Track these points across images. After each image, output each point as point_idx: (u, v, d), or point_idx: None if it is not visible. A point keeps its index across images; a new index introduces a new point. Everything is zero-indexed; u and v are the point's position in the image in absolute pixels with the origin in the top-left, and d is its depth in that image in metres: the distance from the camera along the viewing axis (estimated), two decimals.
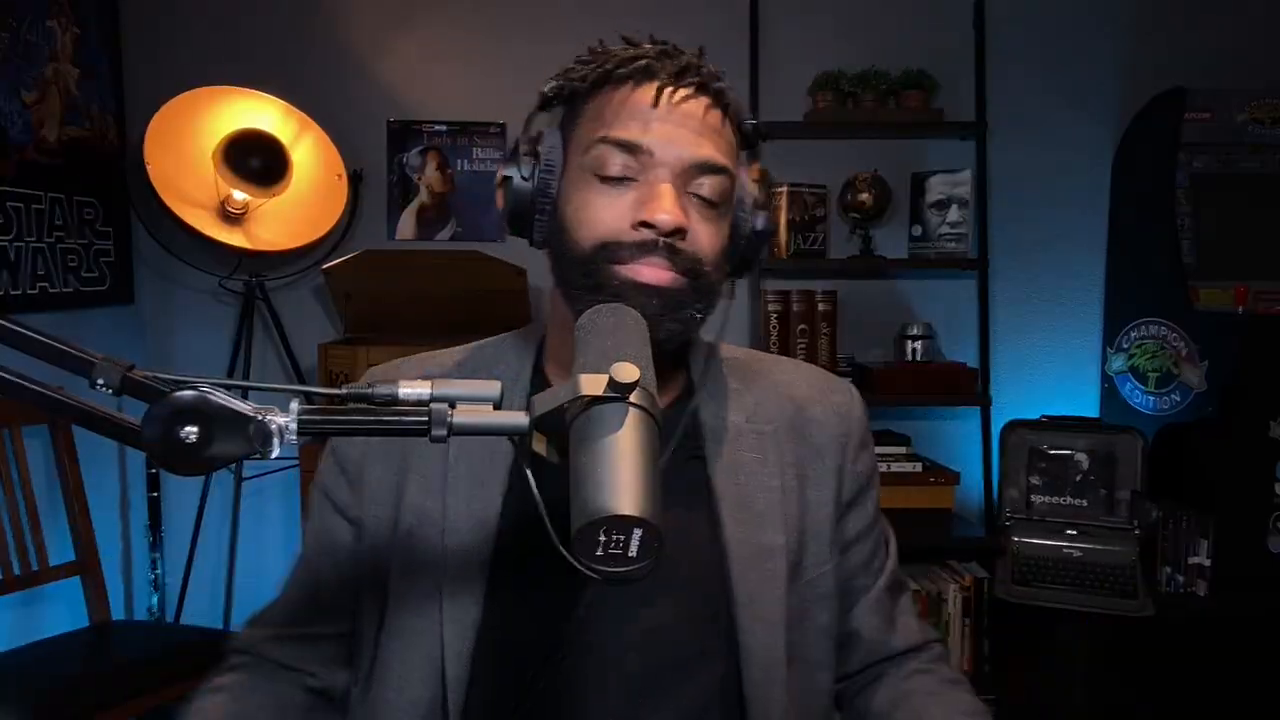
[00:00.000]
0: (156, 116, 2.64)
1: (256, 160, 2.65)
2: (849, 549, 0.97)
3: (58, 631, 2.26)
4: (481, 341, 1.00)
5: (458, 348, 1.00)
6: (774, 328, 2.82)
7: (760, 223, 0.90)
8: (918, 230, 2.91)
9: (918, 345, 2.82)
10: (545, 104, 0.89)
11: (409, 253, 2.90)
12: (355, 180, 2.89)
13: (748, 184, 0.91)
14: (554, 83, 0.88)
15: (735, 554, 0.88)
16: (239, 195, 2.66)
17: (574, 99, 0.88)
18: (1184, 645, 2.32)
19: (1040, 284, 3.06)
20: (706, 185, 0.84)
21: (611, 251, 0.82)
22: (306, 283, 3.01)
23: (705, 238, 0.84)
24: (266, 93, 2.76)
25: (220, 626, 2.75)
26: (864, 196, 2.84)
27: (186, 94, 2.70)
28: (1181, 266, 2.62)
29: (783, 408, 0.96)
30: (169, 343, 3.02)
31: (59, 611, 2.54)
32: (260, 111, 2.74)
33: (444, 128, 2.99)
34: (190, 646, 2.20)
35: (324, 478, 0.95)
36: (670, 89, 0.83)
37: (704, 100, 0.85)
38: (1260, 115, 2.66)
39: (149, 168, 2.58)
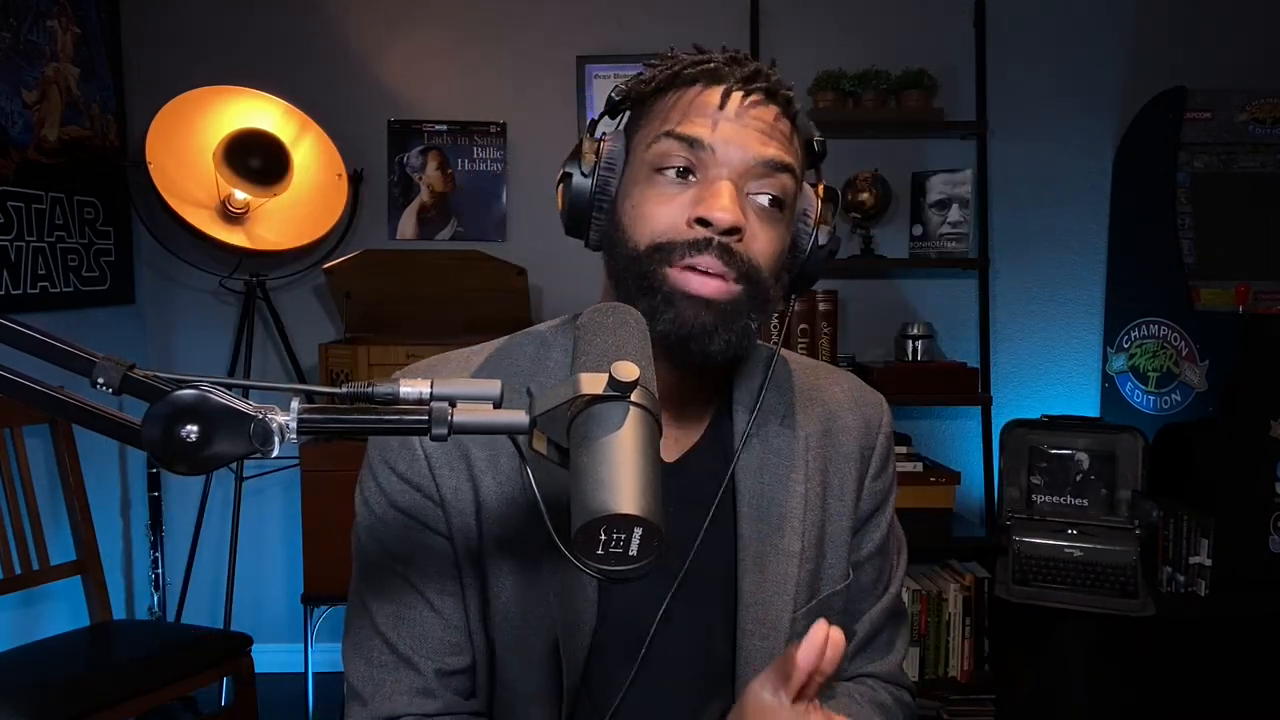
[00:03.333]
0: (158, 116, 2.64)
1: (257, 160, 2.65)
2: (857, 569, 0.95)
3: (58, 631, 2.26)
4: (512, 337, 0.95)
5: (489, 343, 0.95)
6: (774, 327, 2.82)
7: (823, 237, 0.88)
8: (918, 230, 2.91)
9: (918, 345, 2.82)
10: (611, 108, 0.88)
11: (409, 252, 2.90)
12: (355, 180, 2.89)
13: (811, 198, 0.89)
14: (622, 87, 0.88)
15: (746, 553, 0.87)
16: (240, 195, 2.66)
17: (640, 102, 0.87)
18: (1184, 645, 2.32)
19: (1040, 284, 3.06)
20: (769, 186, 0.82)
21: (665, 252, 0.80)
22: (307, 282, 3.01)
23: (763, 243, 0.82)
24: (267, 92, 2.76)
25: (221, 626, 2.75)
26: (865, 196, 2.84)
27: (187, 94, 2.70)
28: (1181, 266, 2.62)
29: (817, 413, 0.94)
30: (169, 342, 3.02)
31: (59, 611, 2.54)
32: (261, 111, 2.74)
33: (444, 127, 2.99)
34: (191, 646, 2.20)
35: (397, 498, 0.88)
36: (738, 91, 0.82)
37: (773, 108, 0.84)
38: (1260, 115, 2.66)
39: (150, 167, 2.58)
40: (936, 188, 2.85)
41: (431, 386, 0.61)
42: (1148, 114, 2.83)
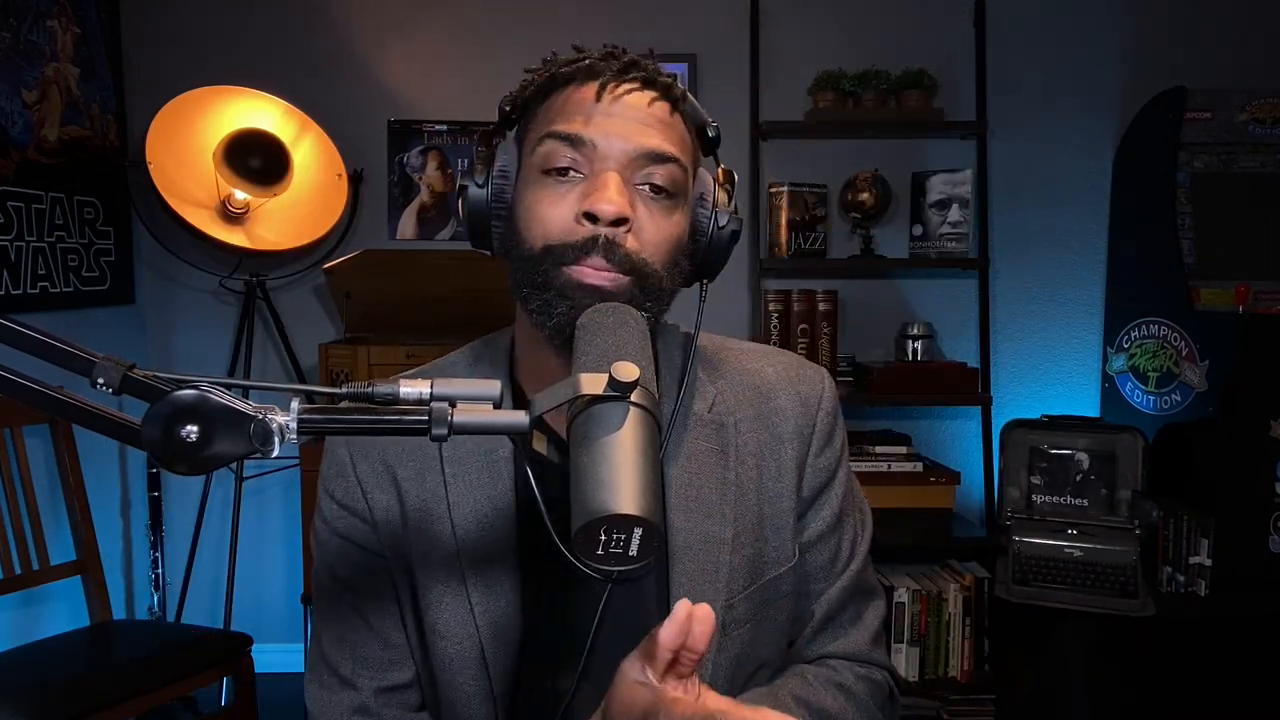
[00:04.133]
0: (158, 116, 2.64)
1: (257, 160, 2.65)
2: (808, 550, 0.95)
3: (58, 631, 2.26)
4: (440, 361, 0.98)
5: (419, 368, 0.98)
6: (774, 327, 2.82)
7: (724, 220, 0.89)
8: (918, 230, 2.91)
9: (918, 345, 2.82)
10: (503, 118, 0.89)
11: (409, 253, 2.90)
12: (355, 180, 2.89)
13: (709, 183, 0.90)
14: (509, 97, 0.89)
15: (675, 542, 0.87)
16: (240, 195, 2.66)
17: (526, 108, 0.88)
18: (1184, 645, 2.32)
19: (1040, 284, 3.06)
20: (654, 174, 0.82)
21: (557, 254, 0.81)
22: (307, 282, 3.01)
23: (652, 232, 0.83)
24: (267, 92, 2.76)
25: (221, 626, 2.75)
26: (865, 196, 2.84)
27: (187, 94, 2.70)
28: (1181, 266, 2.62)
29: (747, 396, 0.94)
30: (169, 342, 3.02)
31: (59, 611, 2.54)
32: (261, 111, 2.74)
33: (444, 127, 2.99)
34: (191, 646, 2.20)
35: (336, 524, 0.93)
36: (613, 84, 0.83)
37: (649, 94, 0.84)
38: (1260, 115, 2.66)
39: (150, 167, 2.58)
40: (936, 188, 2.85)
41: (432, 387, 0.61)
42: (1148, 114, 2.83)
